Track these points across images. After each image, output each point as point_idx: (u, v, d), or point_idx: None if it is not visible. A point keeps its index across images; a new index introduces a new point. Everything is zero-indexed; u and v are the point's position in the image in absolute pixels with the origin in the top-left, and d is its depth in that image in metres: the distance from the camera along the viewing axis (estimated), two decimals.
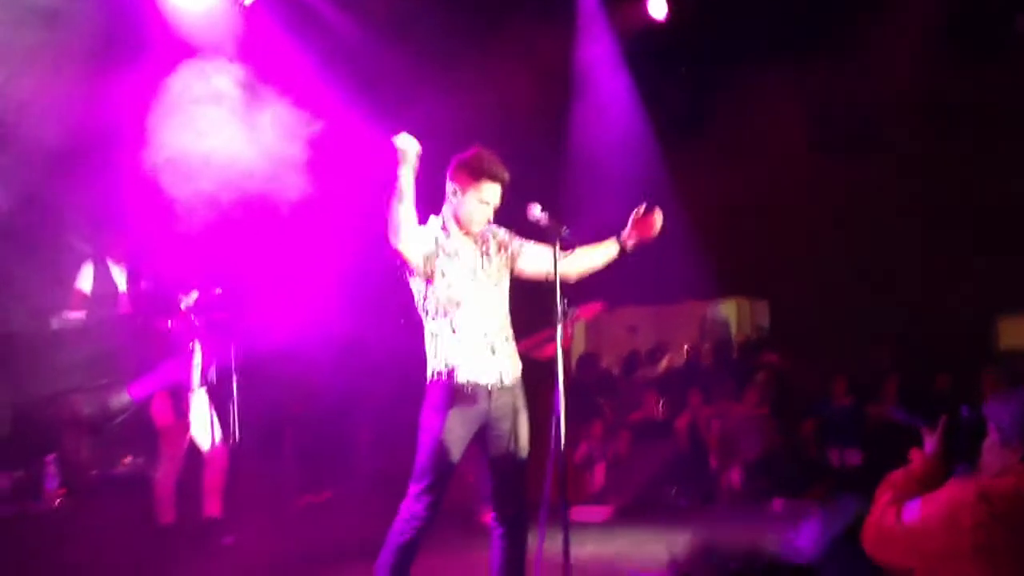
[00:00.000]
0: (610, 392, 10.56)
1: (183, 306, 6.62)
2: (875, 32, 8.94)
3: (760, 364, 9.94)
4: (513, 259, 4.49)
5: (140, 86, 7.17)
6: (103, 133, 7.24)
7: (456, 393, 4.25)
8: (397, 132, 4.19)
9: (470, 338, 4.30)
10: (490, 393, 4.30)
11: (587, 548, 6.62)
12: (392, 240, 4.20)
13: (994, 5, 8.81)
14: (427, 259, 4.30)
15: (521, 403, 4.41)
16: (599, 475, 9.42)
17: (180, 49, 7.38)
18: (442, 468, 4.22)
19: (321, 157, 7.92)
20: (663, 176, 10.25)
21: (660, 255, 9.95)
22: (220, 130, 7.26)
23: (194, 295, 6.64)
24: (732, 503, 8.69)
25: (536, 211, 4.33)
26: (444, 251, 4.34)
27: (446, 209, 4.43)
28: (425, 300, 4.34)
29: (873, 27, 8.91)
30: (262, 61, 7.44)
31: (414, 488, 4.25)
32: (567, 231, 4.31)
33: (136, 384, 6.85)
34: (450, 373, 4.27)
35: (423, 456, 4.24)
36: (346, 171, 8.10)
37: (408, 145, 4.17)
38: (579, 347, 11.39)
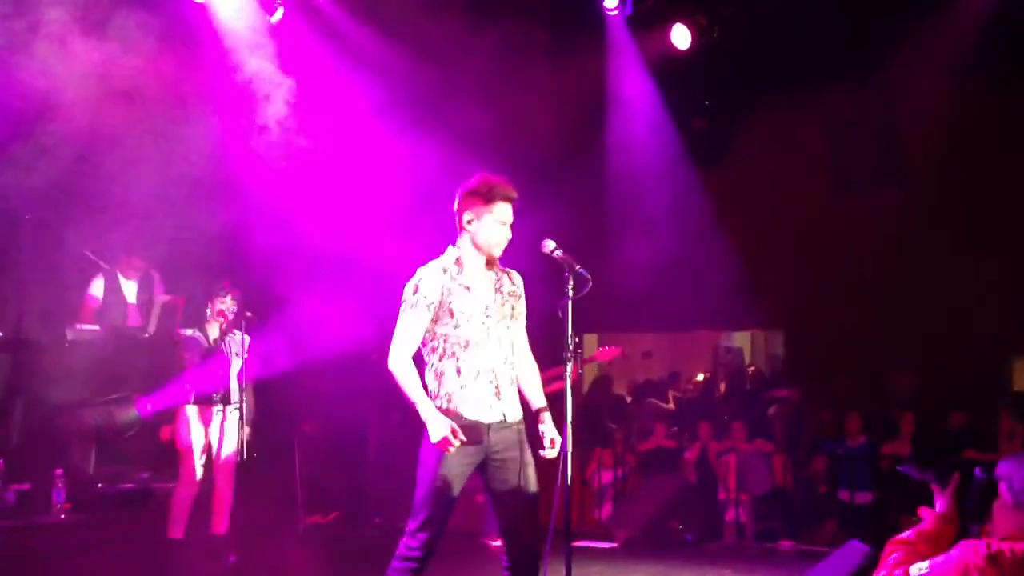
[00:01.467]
0: (621, 418, 10.51)
1: (211, 312, 6.61)
2: (901, 60, 8.87)
3: (773, 398, 9.87)
4: (511, 316, 4.42)
5: (181, 90, 7.23)
6: (133, 139, 7.28)
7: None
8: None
9: (476, 380, 4.26)
10: (489, 427, 4.26)
11: None
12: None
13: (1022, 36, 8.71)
14: (439, 303, 4.26)
15: (523, 436, 4.35)
16: (607, 504, 9.37)
17: (223, 55, 7.46)
18: (440, 503, 4.18)
19: (347, 173, 7.97)
20: (696, 200, 10.23)
21: (678, 282, 10.05)
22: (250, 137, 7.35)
23: (228, 301, 6.62)
24: (738, 540, 8.61)
25: (550, 246, 4.31)
26: (457, 287, 4.29)
27: (462, 241, 4.37)
28: (433, 340, 4.30)
29: (899, 55, 8.85)
30: (299, 75, 7.53)
31: (411, 524, 4.21)
32: (580, 267, 4.26)
33: (145, 401, 6.85)
34: (453, 412, 4.22)
35: (421, 491, 4.21)
36: (373, 190, 8.12)
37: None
38: (593, 370, 11.31)
